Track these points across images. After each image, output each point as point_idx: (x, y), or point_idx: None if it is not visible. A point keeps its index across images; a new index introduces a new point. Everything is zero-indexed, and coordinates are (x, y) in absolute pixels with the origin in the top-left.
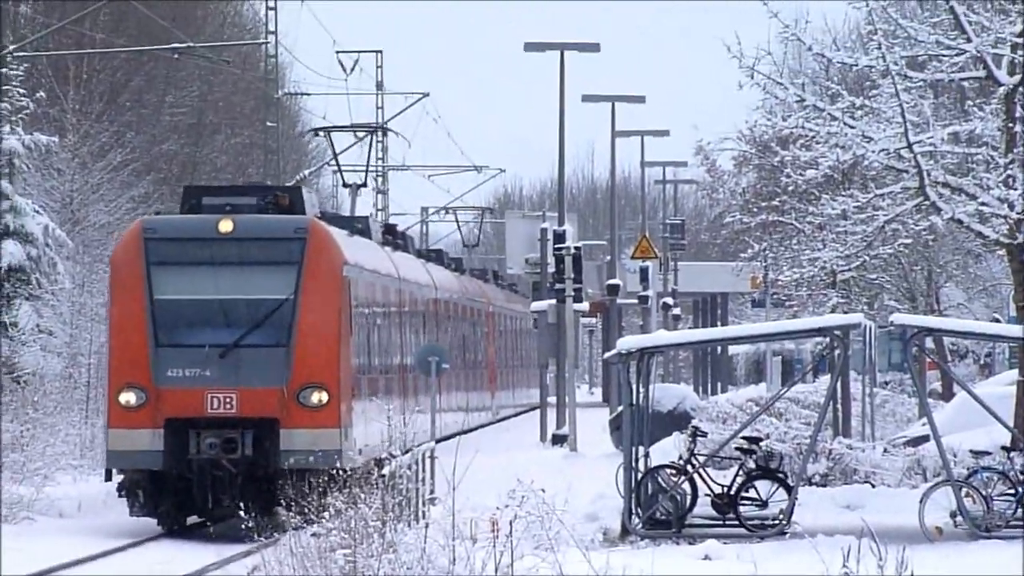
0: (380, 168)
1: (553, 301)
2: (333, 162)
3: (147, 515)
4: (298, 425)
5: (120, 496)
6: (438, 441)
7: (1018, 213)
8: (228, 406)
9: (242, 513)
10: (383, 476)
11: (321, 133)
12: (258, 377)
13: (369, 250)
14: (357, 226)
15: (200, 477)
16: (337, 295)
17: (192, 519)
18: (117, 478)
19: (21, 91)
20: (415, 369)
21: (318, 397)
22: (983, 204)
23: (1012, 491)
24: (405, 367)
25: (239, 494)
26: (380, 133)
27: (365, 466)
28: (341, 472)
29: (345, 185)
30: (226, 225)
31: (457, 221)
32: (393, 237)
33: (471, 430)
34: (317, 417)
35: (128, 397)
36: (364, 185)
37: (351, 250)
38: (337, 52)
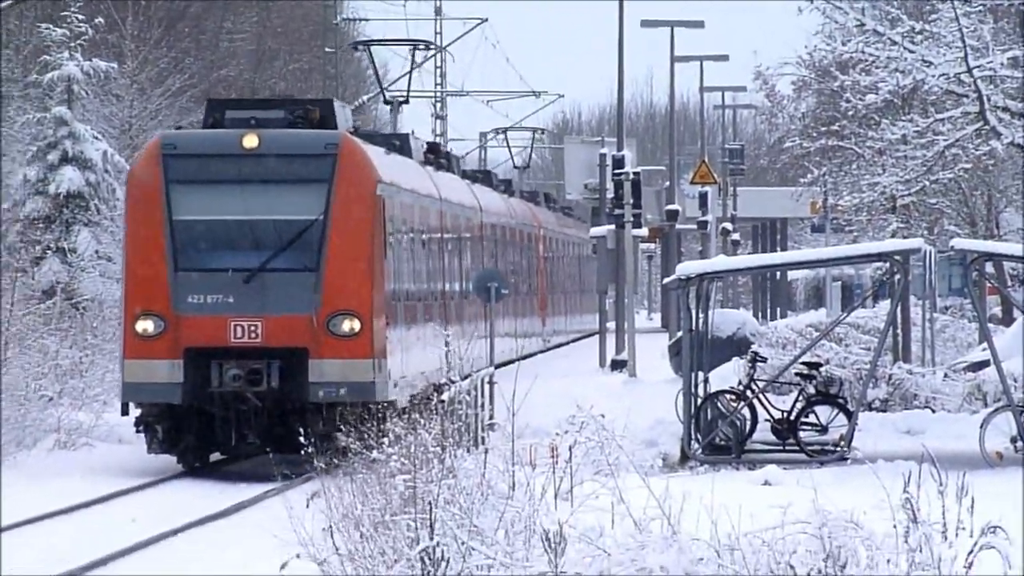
0: (439, 94)
1: (612, 227)
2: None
3: (165, 452)
4: (328, 355)
5: (138, 432)
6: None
7: None
8: (253, 335)
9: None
10: (442, 401)
11: (361, 48)
12: (285, 304)
13: (407, 169)
14: (395, 143)
15: (222, 411)
16: (370, 216)
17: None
18: (135, 413)
19: (80, 17)
20: (470, 294)
21: (350, 325)
22: None
23: None
24: (446, 293)
25: (264, 430)
26: (423, 48)
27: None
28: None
29: (386, 102)
30: (251, 140)
31: (508, 143)
32: (436, 156)
33: (521, 358)
34: (349, 347)
35: (145, 325)
36: (406, 102)
37: (386, 168)
38: None
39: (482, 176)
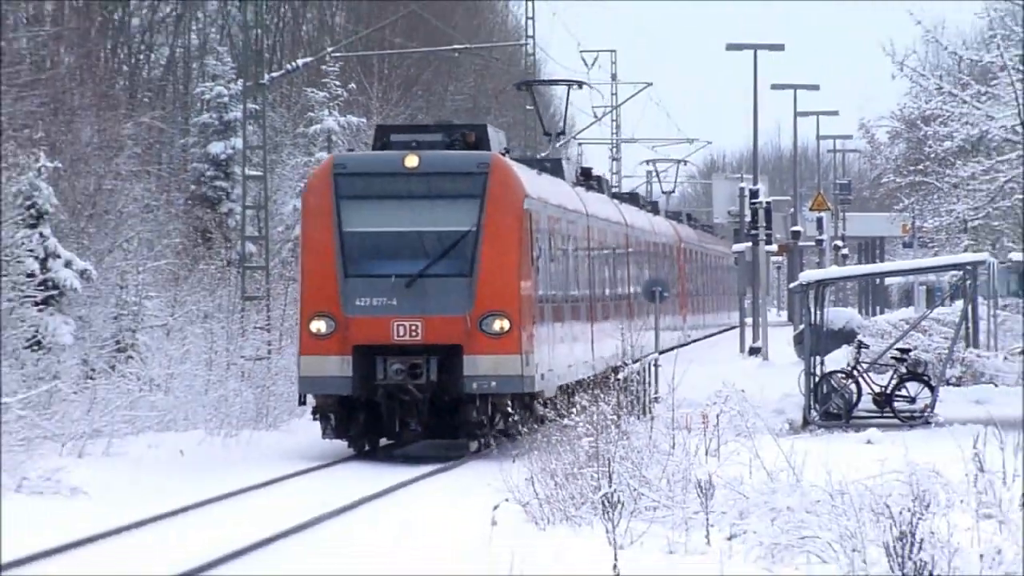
0: (614, 141)
1: (749, 243)
2: (553, 115)
3: (337, 438)
4: (481, 351)
5: (314, 419)
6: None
7: None
8: (413, 333)
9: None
10: (619, 380)
11: (524, 87)
12: (442, 306)
13: (556, 187)
14: (547, 166)
15: (387, 402)
16: (518, 226)
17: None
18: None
19: (337, 83)
20: (615, 297)
21: (500, 324)
22: None
23: None
24: (593, 296)
25: (425, 418)
26: (577, 87)
27: (550, 389)
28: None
29: (546, 133)
30: (412, 160)
31: (656, 173)
32: (587, 179)
33: (666, 351)
34: (499, 344)
35: (319, 325)
36: (562, 133)
37: (533, 185)
38: (580, 51)
39: (629, 197)
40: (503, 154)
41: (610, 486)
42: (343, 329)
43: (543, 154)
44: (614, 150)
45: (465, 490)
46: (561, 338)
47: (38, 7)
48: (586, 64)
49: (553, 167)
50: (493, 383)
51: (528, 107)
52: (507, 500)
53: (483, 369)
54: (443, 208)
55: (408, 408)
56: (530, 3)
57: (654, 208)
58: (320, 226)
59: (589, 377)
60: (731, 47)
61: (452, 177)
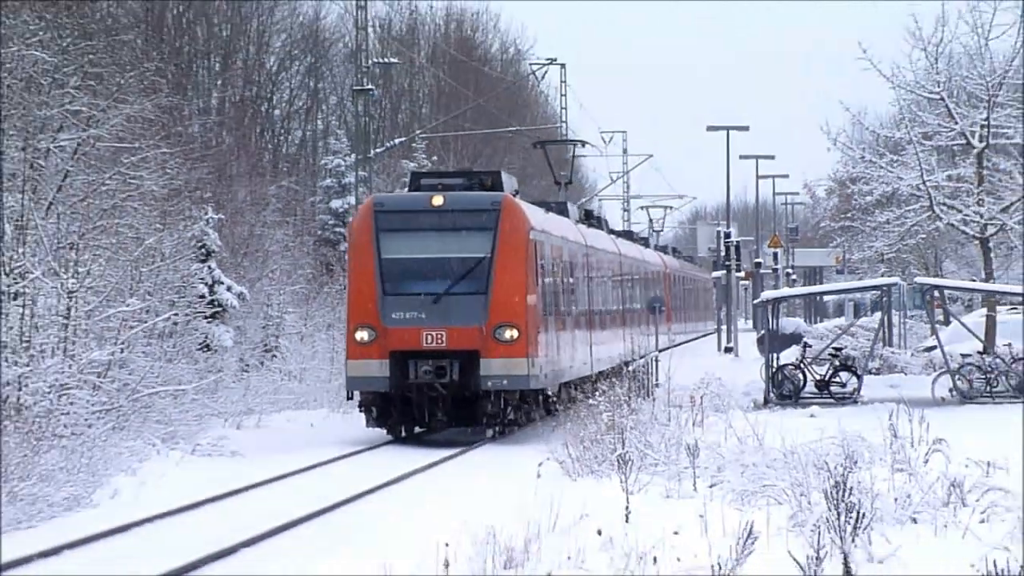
0: (626, 197)
1: (724, 271)
2: (567, 171)
3: (378, 426)
4: (494, 356)
5: (360, 412)
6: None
7: (984, 220)
8: (439, 341)
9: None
10: (631, 371)
11: (539, 146)
12: (462, 318)
13: (560, 223)
14: (552, 206)
15: (418, 397)
16: (524, 253)
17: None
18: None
19: (423, 156)
20: (608, 311)
21: (510, 333)
22: (965, 215)
23: (983, 376)
24: (591, 310)
25: (449, 410)
26: (581, 145)
27: (552, 386)
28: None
29: (556, 182)
30: (438, 199)
31: (649, 216)
32: (588, 218)
33: (663, 350)
34: (509, 349)
35: (362, 335)
36: (570, 182)
37: (537, 219)
38: (600, 132)
39: (624, 233)
40: (513, 195)
41: (623, 448)
42: (382, 337)
43: (560, 199)
44: (625, 203)
45: (494, 461)
46: (562, 344)
47: (205, 100)
48: (604, 141)
49: (560, 208)
50: (504, 381)
51: (563, 166)
52: (548, 459)
53: (496, 370)
54: (463, 238)
55: (435, 402)
56: (563, 98)
57: (645, 242)
58: (363, 254)
59: (588, 376)
60: (710, 128)
61: (470, 213)
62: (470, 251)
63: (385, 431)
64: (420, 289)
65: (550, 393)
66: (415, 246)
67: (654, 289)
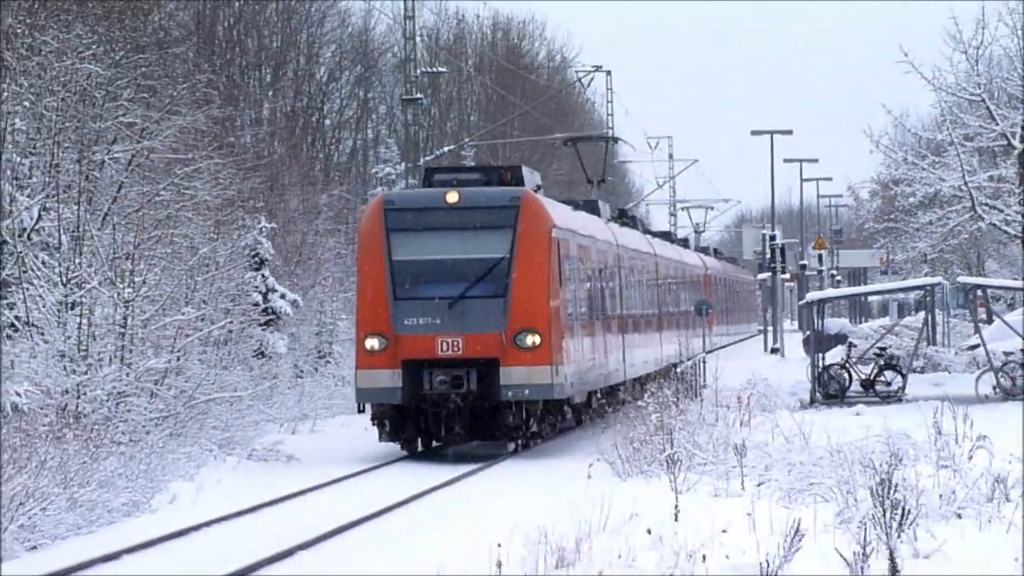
0: (672, 202)
1: (769, 273)
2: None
3: (392, 441)
4: (515, 363)
5: (373, 425)
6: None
7: None
8: (455, 349)
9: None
10: (679, 372)
11: (570, 144)
12: (480, 324)
13: (588, 221)
14: (580, 204)
15: (433, 409)
16: (546, 253)
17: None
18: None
19: (472, 164)
20: (643, 314)
21: (532, 340)
22: (1007, 215)
23: None
24: (624, 312)
25: (467, 423)
26: (613, 142)
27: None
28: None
29: (588, 181)
30: (452, 196)
31: (689, 215)
32: (622, 217)
33: (711, 352)
34: (531, 356)
35: (372, 343)
36: (603, 181)
37: (560, 217)
38: (647, 137)
39: (662, 234)
40: (535, 190)
41: (672, 449)
42: (394, 345)
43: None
44: (671, 208)
45: (525, 473)
46: (590, 350)
47: (257, 111)
48: (650, 146)
49: (590, 206)
50: (526, 391)
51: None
52: (598, 460)
53: (517, 379)
54: (480, 238)
55: (452, 414)
56: (609, 104)
57: (684, 243)
58: (373, 255)
59: (620, 383)
60: (754, 132)
61: (487, 211)
62: (488, 251)
63: (399, 446)
64: (434, 293)
65: (576, 402)
66: (428, 247)
67: (693, 291)
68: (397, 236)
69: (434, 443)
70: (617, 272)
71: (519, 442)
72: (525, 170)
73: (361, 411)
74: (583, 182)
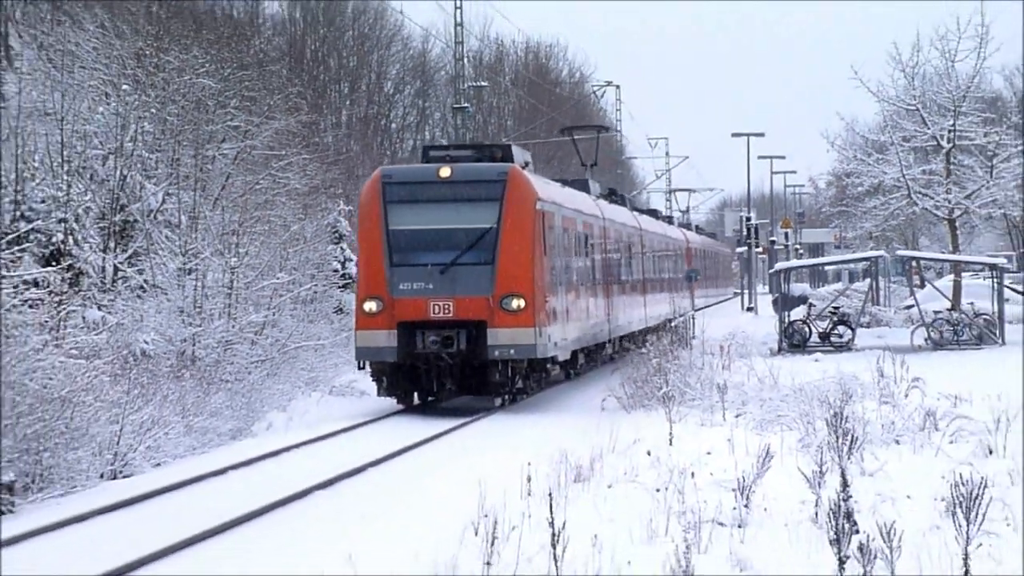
0: (667, 190)
1: (746, 248)
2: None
3: (388, 395)
4: (501, 325)
5: (372, 380)
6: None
7: (951, 205)
8: (446, 311)
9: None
10: (674, 326)
11: (567, 132)
12: (469, 288)
13: (575, 197)
14: (572, 182)
15: (426, 367)
16: (530, 224)
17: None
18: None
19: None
20: (624, 281)
21: (517, 303)
22: (936, 202)
23: (952, 328)
24: (608, 279)
25: (457, 379)
26: (604, 131)
27: (563, 355)
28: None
29: (583, 164)
30: (445, 171)
31: (675, 199)
32: (612, 195)
33: (680, 316)
34: (516, 319)
35: (371, 305)
36: (595, 164)
37: (545, 191)
38: (648, 138)
39: (649, 211)
40: (523, 167)
41: (667, 387)
42: (390, 308)
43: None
44: (667, 196)
45: (528, 421)
46: (575, 312)
47: (337, 117)
48: (650, 145)
49: (581, 185)
50: (512, 351)
51: (614, 161)
52: (608, 396)
53: (503, 340)
54: (470, 209)
55: (443, 372)
56: (618, 112)
57: (669, 220)
58: (371, 226)
59: (606, 341)
60: (734, 135)
61: (477, 184)
62: (477, 222)
63: (395, 400)
64: (427, 260)
65: (561, 359)
66: (422, 217)
67: (676, 261)
68: (394, 207)
69: (429, 398)
70: (603, 242)
71: (506, 397)
72: (515, 148)
73: (361, 368)
74: (599, 172)
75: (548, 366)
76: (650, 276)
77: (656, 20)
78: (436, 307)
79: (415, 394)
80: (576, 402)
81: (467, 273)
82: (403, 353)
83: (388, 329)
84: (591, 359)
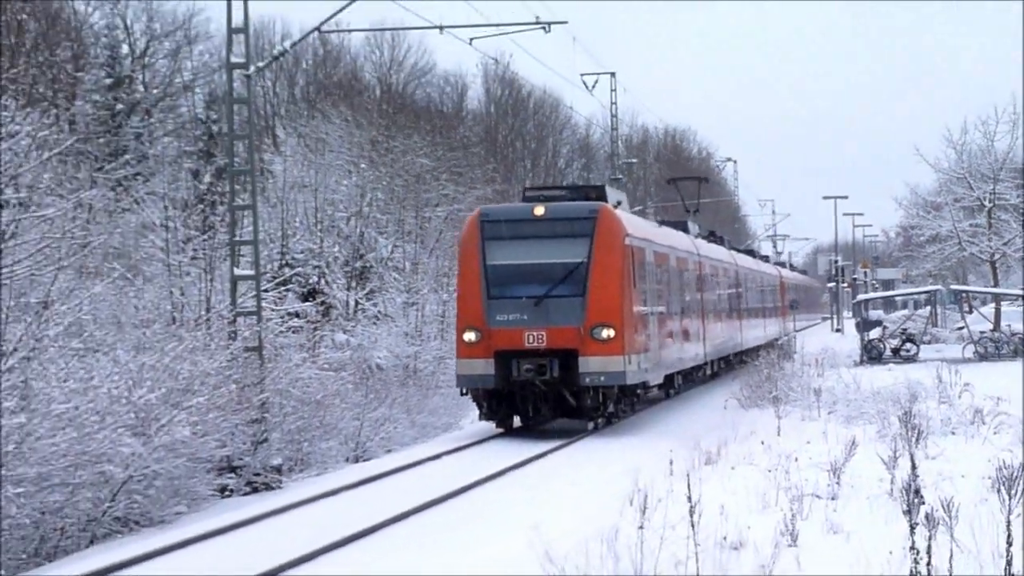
0: (772, 235)
1: (834, 283)
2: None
3: (488, 420)
4: (592, 354)
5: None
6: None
7: (992, 251)
8: (540, 341)
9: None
10: (780, 345)
11: (672, 183)
12: (562, 319)
13: (665, 233)
14: (670, 222)
15: (521, 393)
16: (619, 258)
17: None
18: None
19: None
20: (721, 311)
21: (607, 333)
22: (981, 248)
23: (994, 344)
24: (704, 309)
25: (551, 405)
26: (705, 182)
27: (649, 381)
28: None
29: (686, 210)
30: (539, 209)
31: (774, 243)
32: (711, 235)
33: (776, 339)
34: (606, 347)
35: (470, 336)
36: (697, 210)
37: (635, 227)
38: (758, 200)
39: (746, 251)
40: (615, 206)
41: (775, 391)
42: (487, 338)
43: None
44: (774, 244)
45: (627, 441)
46: (666, 340)
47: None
48: (760, 205)
49: (681, 226)
50: (602, 377)
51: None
52: (730, 399)
53: (594, 367)
54: (562, 245)
55: (538, 397)
56: (736, 180)
57: (765, 259)
58: (470, 261)
59: (701, 364)
60: (825, 197)
61: (569, 221)
62: (568, 257)
63: (495, 424)
64: (522, 293)
65: (652, 384)
66: (518, 253)
67: (770, 293)
68: (491, 244)
69: (527, 422)
70: (697, 274)
71: (598, 421)
72: (609, 189)
73: (463, 394)
74: (718, 225)
75: (641, 391)
76: (745, 306)
77: (774, 107)
78: (531, 337)
79: (515, 418)
80: (673, 421)
81: (559, 305)
82: (500, 380)
83: (486, 358)
84: (688, 379)
